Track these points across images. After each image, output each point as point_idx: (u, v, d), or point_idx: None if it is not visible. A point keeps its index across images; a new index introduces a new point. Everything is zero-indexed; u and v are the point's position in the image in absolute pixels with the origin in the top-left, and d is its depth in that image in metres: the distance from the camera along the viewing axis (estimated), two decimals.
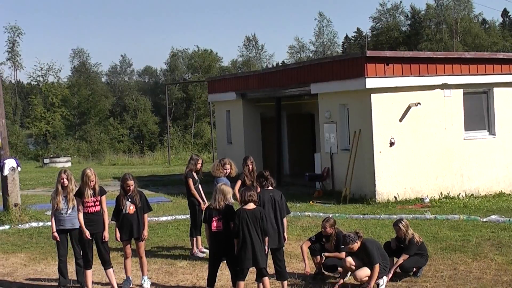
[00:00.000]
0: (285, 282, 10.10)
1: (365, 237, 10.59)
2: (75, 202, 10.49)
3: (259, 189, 10.54)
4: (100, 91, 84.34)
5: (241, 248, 9.35)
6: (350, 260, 10.34)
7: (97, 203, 10.28)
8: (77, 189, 10.47)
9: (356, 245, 10.22)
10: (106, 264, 10.38)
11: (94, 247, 10.41)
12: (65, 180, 10.65)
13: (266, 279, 9.61)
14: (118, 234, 10.75)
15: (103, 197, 10.37)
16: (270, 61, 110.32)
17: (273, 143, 27.29)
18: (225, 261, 9.96)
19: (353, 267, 10.30)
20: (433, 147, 20.39)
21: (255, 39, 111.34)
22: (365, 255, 10.17)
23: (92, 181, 10.20)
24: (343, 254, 10.65)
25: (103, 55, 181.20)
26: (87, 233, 10.18)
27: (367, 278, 10.13)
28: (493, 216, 15.89)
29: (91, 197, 10.21)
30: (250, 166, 12.64)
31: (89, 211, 10.23)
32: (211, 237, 9.76)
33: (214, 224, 9.60)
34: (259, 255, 9.36)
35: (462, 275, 10.87)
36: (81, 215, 10.23)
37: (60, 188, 10.68)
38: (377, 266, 10.05)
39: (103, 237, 10.27)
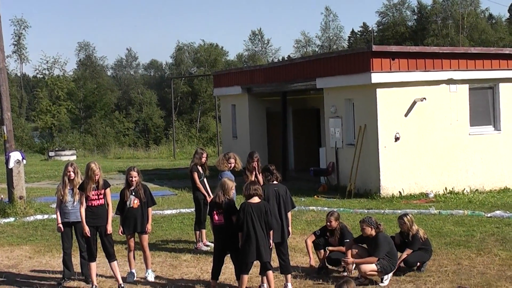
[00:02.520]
0: (289, 276, 10.14)
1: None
2: None
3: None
4: (106, 85, 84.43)
5: (245, 242, 9.37)
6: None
7: (101, 196, 10.30)
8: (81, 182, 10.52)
9: (368, 230, 10.35)
10: (110, 257, 10.40)
11: (98, 240, 10.45)
12: (72, 173, 10.68)
13: (270, 272, 9.64)
14: (121, 229, 10.81)
15: (107, 190, 10.39)
16: (275, 56, 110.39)
17: (279, 137, 27.27)
18: (229, 255, 9.99)
19: (354, 252, 10.41)
20: (438, 142, 20.35)
21: (261, 33, 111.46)
22: (374, 245, 10.29)
23: (97, 175, 10.23)
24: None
25: (109, 48, 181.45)
26: (87, 230, 10.19)
27: (372, 272, 10.21)
28: (497, 212, 15.88)
29: (94, 190, 10.24)
30: (256, 163, 12.39)
31: (93, 204, 10.25)
32: (214, 230, 9.81)
33: (216, 217, 9.67)
34: (263, 249, 9.39)
35: (466, 270, 10.89)
36: (83, 210, 10.25)
37: (66, 181, 10.72)
38: (374, 259, 10.15)
39: (107, 230, 10.31)
